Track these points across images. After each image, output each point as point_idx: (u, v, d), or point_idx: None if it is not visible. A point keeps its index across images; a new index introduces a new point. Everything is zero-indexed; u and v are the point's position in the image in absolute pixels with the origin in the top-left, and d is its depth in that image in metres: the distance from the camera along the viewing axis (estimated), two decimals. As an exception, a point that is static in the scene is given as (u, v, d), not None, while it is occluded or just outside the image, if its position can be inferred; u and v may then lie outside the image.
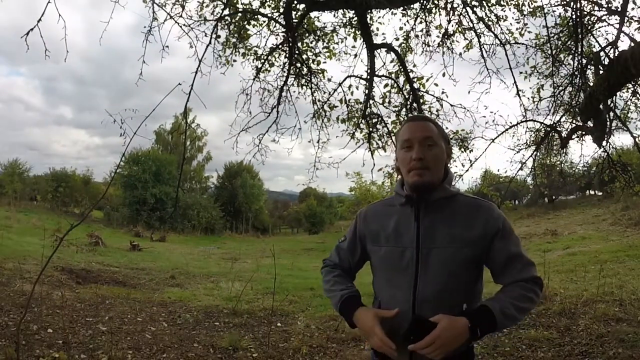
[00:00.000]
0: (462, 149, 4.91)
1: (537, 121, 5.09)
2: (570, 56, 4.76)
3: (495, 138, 4.69)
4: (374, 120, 4.90)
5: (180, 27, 3.99)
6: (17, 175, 27.01)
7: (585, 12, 4.37)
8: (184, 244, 18.51)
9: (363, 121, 4.90)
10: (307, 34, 4.83)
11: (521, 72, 5.02)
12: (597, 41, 4.50)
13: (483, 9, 4.57)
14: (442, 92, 4.57)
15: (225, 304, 5.51)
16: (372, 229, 1.37)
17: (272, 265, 5.98)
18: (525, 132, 5.35)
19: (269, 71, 4.89)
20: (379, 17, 4.81)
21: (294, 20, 4.39)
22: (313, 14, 4.65)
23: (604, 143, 4.91)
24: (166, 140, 32.52)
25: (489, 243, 1.25)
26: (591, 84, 4.28)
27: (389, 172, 4.95)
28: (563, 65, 4.95)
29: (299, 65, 4.86)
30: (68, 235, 2.67)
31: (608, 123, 4.66)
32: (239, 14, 4.49)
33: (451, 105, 4.58)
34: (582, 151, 5.56)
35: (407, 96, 4.70)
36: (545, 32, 4.59)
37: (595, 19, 4.44)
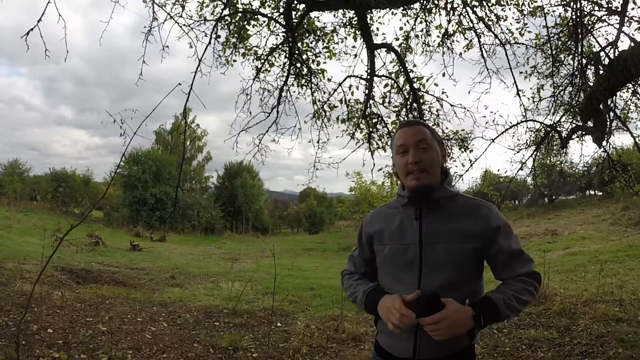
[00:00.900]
0: (462, 149, 4.91)
1: (537, 121, 5.10)
2: (570, 56, 4.77)
3: (495, 138, 4.70)
4: (374, 120, 4.90)
5: (180, 27, 3.99)
6: (17, 175, 27.01)
7: (585, 12, 4.37)
8: (184, 244, 18.51)
9: (363, 121, 4.90)
10: (307, 34, 4.83)
11: (521, 72, 5.04)
12: (597, 41, 4.50)
13: (483, 9, 4.57)
14: (442, 92, 4.58)
15: (225, 304, 5.51)
16: (377, 229, 1.41)
17: (272, 265, 5.98)
18: (525, 132, 5.37)
19: (269, 71, 4.89)
20: (379, 17, 4.82)
21: (294, 20, 4.38)
22: (313, 14, 4.65)
23: (604, 143, 4.92)
24: (166, 140, 32.53)
25: (491, 240, 1.29)
26: (591, 84, 4.27)
27: (389, 172, 4.95)
28: (563, 65, 4.96)
29: (299, 65, 4.86)
30: (68, 235, 2.67)
31: (608, 123, 4.66)
32: (239, 14, 4.49)
33: (451, 105, 4.58)
34: (582, 151, 5.57)
35: (407, 96, 4.70)
36: (545, 32, 4.60)
37: (595, 19, 4.44)
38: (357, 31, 4.76)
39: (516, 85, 4.76)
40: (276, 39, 4.73)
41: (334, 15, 4.83)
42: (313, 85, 4.94)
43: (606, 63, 3.91)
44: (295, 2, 4.28)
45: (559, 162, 6.25)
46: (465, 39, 4.78)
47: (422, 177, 1.29)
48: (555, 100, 5.01)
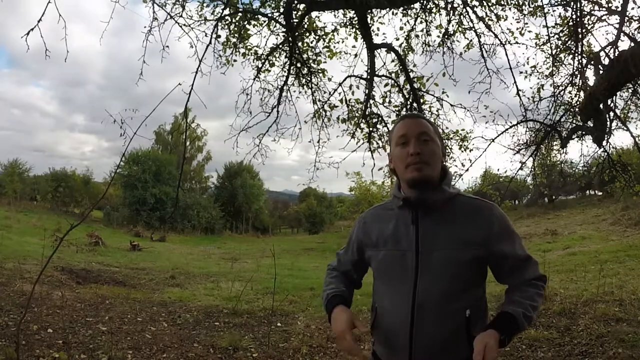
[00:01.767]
0: (462, 149, 4.91)
1: (537, 121, 5.09)
2: (570, 56, 4.76)
3: (495, 138, 4.70)
4: (374, 120, 4.90)
5: (181, 27, 3.99)
6: (17, 175, 26.99)
7: (585, 12, 4.37)
8: (184, 244, 18.51)
9: (363, 121, 4.89)
10: (307, 34, 4.83)
11: (521, 72, 5.04)
12: (597, 41, 4.51)
13: (483, 9, 4.57)
14: (443, 92, 4.58)
15: (225, 304, 5.51)
16: (371, 233, 1.33)
17: (272, 265, 5.98)
18: (525, 132, 5.36)
19: (269, 71, 4.89)
20: (380, 17, 4.82)
21: (294, 20, 4.38)
22: (313, 14, 4.65)
23: (604, 143, 4.92)
24: (166, 140, 32.56)
25: (493, 245, 1.21)
26: (591, 84, 4.27)
27: (389, 171, 4.95)
28: (563, 65, 4.96)
29: (299, 65, 4.86)
30: (68, 235, 2.67)
31: (608, 123, 4.66)
32: (239, 14, 4.49)
33: (451, 105, 4.58)
34: (582, 151, 5.56)
35: (407, 96, 4.70)
36: (545, 32, 4.60)
37: (595, 19, 4.44)
38: (357, 31, 4.76)
39: (516, 85, 4.77)
40: (276, 38, 4.73)
41: (335, 15, 4.84)
42: (313, 85, 4.95)
43: (606, 63, 3.92)
44: (296, 2, 4.27)
45: (559, 162, 6.25)
46: (466, 39, 4.79)
47: (424, 168, 1.21)
48: (555, 100, 5.01)
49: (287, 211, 38.29)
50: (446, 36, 4.73)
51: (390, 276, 1.26)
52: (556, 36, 4.76)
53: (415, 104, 4.61)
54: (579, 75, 4.67)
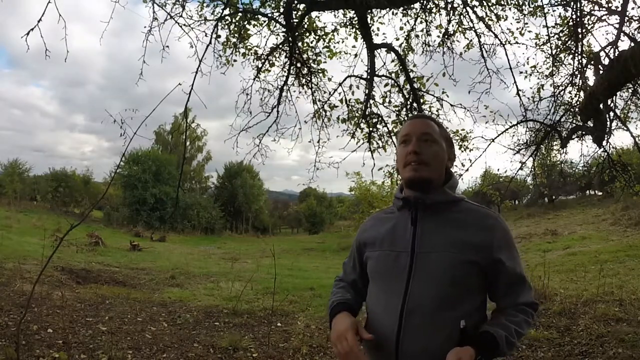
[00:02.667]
0: (462, 149, 4.91)
1: (537, 121, 5.09)
2: (570, 56, 4.76)
3: (495, 138, 4.70)
4: (374, 120, 4.90)
5: (181, 27, 3.99)
6: (17, 175, 26.98)
7: (585, 12, 4.38)
8: (184, 244, 18.50)
9: (363, 121, 4.89)
10: (307, 34, 4.83)
11: (521, 72, 5.04)
12: (597, 41, 4.51)
13: (483, 9, 4.58)
14: (443, 92, 4.58)
15: (225, 304, 5.51)
16: (369, 235, 1.31)
17: (272, 265, 5.98)
18: (525, 132, 5.36)
19: (269, 71, 4.89)
20: (380, 17, 4.82)
21: (294, 20, 4.38)
22: (313, 14, 4.64)
23: (604, 143, 4.92)
24: (166, 140, 32.56)
25: (493, 256, 1.15)
26: (591, 84, 4.28)
27: (389, 172, 4.95)
28: (563, 65, 4.96)
29: (299, 65, 4.86)
30: (68, 235, 2.67)
31: (608, 123, 4.66)
32: (239, 14, 4.49)
33: (451, 105, 4.58)
34: (582, 151, 5.56)
35: (407, 96, 4.70)
36: (545, 32, 4.60)
37: (595, 19, 4.45)
38: (357, 31, 4.76)
39: (516, 85, 4.77)
40: (276, 38, 4.72)
41: (335, 15, 4.84)
42: (313, 85, 4.95)
43: (606, 63, 3.92)
44: (296, 2, 4.27)
45: (559, 162, 6.25)
46: (466, 39, 4.79)
47: (421, 168, 1.17)
48: (555, 100, 5.01)
49: (287, 211, 38.28)
50: (446, 36, 4.73)
51: (382, 277, 1.21)
52: (556, 36, 4.76)
53: (415, 104, 4.61)
54: (579, 75, 4.67)
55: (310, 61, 4.92)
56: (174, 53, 4.01)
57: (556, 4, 4.50)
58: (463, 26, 4.73)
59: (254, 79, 4.75)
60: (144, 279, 7.46)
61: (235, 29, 4.62)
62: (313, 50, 4.91)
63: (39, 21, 2.70)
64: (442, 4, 4.70)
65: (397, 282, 1.16)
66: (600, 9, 4.36)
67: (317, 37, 4.85)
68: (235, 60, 4.76)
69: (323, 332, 4.34)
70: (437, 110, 4.65)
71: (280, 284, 6.52)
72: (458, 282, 1.12)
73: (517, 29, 4.67)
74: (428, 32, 4.85)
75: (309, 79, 4.92)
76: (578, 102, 4.76)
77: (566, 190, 23.22)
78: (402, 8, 4.69)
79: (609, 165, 5.33)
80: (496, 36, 4.62)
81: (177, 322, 4.64)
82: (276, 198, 42.69)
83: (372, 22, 4.71)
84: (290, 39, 4.49)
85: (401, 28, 4.95)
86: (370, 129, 4.88)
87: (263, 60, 4.78)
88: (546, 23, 4.61)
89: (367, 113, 4.83)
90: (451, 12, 4.64)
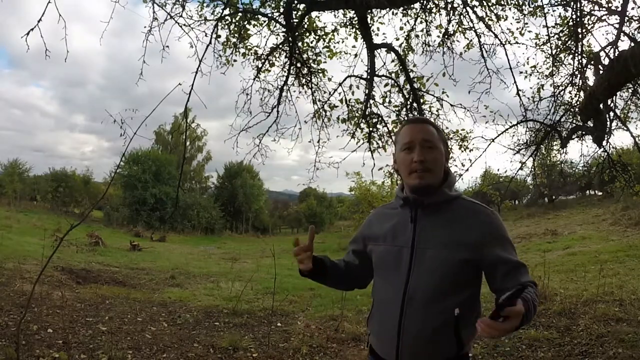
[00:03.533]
0: (462, 149, 4.91)
1: (537, 121, 5.09)
2: (570, 56, 4.76)
3: (495, 138, 4.70)
4: (374, 120, 4.90)
5: (181, 27, 3.99)
6: (17, 175, 26.98)
7: (585, 12, 4.37)
8: (184, 244, 18.51)
9: (363, 121, 4.89)
10: (307, 34, 4.83)
11: (521, 72, 5.04)
12: (597, 41, 4.51)
13: (483, 9, 4.57)
14: (443, 92, 4.57)
15: (225, 304, 5.51)
16: (374, 230, 1.42)
17: (272, 265, 5.97)
18: (525, 132, 5.36)
19: (269, 71, 4.89)
20: (380, 17, 4.81)
21: (294, 20, 4.38)
22: (313, 14, 4.64)
23: (604, 143, 4.92)
24: (166, 140, 32.55)
25: (487, 248, 1.23)
26: (591, 84, 4.28)
27: (389, 171, 4.94)
28: (563, 65, 4.96)
29: (299, 65, 4.86)
30: (68, 235, 2.67)
31: (608, 123, 4.66)
32: (239, 14, 4.49)
33: (451, 105, 4.58)
34: (582, 151, 5.56)
35: (407, 96, 4.70)
36: (545, 32, 4.60)
37: (595, 19, 4.45)
38: (357, 31, 4.76)
39: (516, 85, 4.77)
40: (276, 38, 4.72)
41: (335, 15, 4.84)
42: (313, 85, 4.94)
43: (606, 63, 3.92)
44: (296, 2, 4.27)
45: (559, 162, 6.25)
46: (466, 39, 4.79)
47: (426, 176, 1.28)
48: (555, 100, 5.01)
49: (287, 211, 38.25)
50: (446, 36, 4.73)
51: (386, 269, 1.34)
52: (556, 36, 4.76)
53: (415, 104, 4.61)
54: (579, 75, 4.68)
55: (310, 61, 4.92)
56: (174, 53, 4.02)
57: (556, 4, 4.50)
58: (463, 26, 4.73)
59: (254, 79, 4.75)
60: (144, 279, 7.46)
61: (235, 29, 4.62)
62: (313, 50, 4.91)
63: (39, 21, 2.70)
64: (442, 4, 4.70)
65: (399, 273, 1.29)
66: (600, 9, 4.36)
67: (317, 37, 4.85)
68: (235, 60, 4.76)
69: (323, 332, 4.34)
70: (437, 111, 4.66)
71: (280, 284, 6.52)
72: (450, 276, 1.23)
73: (517, 29, 4.67)
74: (428, 32, 4.85)
75: (309, 79, 4.92)
76: (578, 102, 4.76)
77: (566, 190, 23.21)
78: (402, 8, 4.68)
79: (609, 165, 5.33)
80: (496, 36, 4.62)
81: (177, 322, 4.64)
82: (276, 198, 42.66)
83: (372, 22, 4.71)
84: (290, 39, 4.49)
85: (401, 28, 4.95)
86: (370, 129, 4.88)
87: (263, 60, 4.78)
88: (546, 23, 4.62)
89: (367, 113, 4.83)
90: (451, 12, 4.64)
